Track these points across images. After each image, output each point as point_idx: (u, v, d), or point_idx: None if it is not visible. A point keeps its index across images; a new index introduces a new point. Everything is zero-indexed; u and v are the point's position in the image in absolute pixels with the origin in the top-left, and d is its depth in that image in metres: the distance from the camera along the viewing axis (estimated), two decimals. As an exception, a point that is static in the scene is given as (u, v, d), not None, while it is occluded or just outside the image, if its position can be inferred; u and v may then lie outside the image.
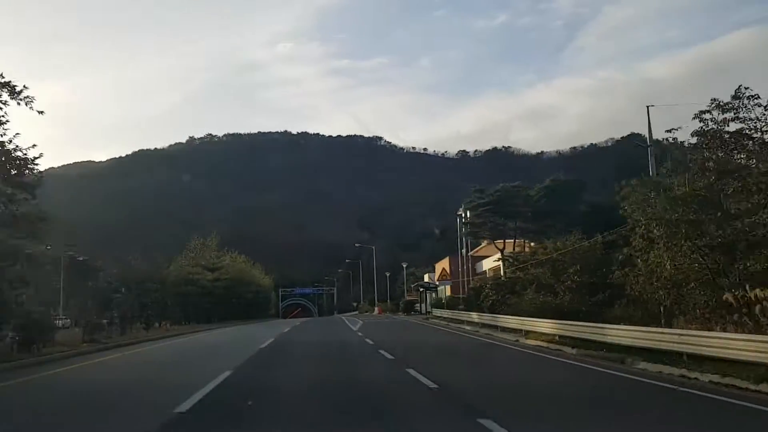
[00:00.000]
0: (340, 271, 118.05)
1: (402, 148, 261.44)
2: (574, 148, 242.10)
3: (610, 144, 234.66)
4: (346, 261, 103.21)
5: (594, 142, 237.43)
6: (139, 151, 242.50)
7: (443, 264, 66.48)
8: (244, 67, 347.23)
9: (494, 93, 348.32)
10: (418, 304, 55.15)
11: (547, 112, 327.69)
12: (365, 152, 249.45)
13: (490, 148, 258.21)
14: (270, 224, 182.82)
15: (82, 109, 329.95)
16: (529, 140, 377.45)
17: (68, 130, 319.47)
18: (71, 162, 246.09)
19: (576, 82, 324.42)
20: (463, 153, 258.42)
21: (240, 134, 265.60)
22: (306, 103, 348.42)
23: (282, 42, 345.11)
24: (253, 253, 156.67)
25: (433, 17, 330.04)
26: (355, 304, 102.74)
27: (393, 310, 68.11)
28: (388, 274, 76.69)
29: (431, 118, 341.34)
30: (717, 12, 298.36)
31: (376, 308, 74.59)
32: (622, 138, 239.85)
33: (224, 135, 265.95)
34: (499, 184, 53.53)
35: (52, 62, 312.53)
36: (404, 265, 53.93)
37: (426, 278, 70.94)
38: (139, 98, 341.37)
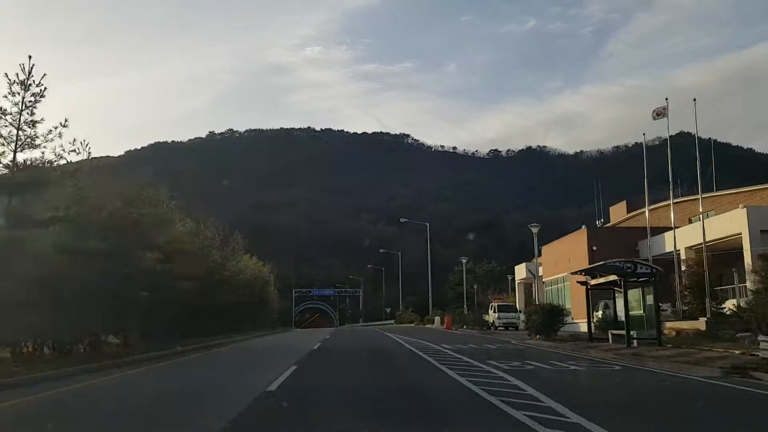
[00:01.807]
0: (369, 267, 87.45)
1: (430, 147, 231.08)
2: (617, 147, 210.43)
3: (657, 143, 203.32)
4: (381, 251, 72.97)
5: (639, 141, 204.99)
6: (155, 143, 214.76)
7: (576, 241, 35.66)
8: (270, 70, 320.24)
9: (521, 99, 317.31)
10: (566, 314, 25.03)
11: (575, 119, 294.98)
12: (392, 150, 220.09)
13: (524, 147, 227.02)
14: (289, 220, 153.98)
15: (106, 110, 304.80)
16: (565, 140, 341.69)
17: (92, 130, 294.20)
18: (87, 158, 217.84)
19: (604, 89, 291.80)
20: (495, 152, 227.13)
21: (262, 130, 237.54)
22: (331, 107, 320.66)
23: (309, 46, 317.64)
24: (269, 250, 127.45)
25: (460, 22, 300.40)
26: (388, 310, 72.44)
27: (474, 324, 36.54)
28: (464, 260, 44.29)
29: (457, 124, 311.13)
30: (749, 21, 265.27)
31: (437, 318, 42.61)
32: (670, 136, 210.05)
33: (246, 131, 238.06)
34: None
35: (79, 63, 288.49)
36: (535, 231, 24.52)
37: (522, 272, 40.90)
38: (163, 100, 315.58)
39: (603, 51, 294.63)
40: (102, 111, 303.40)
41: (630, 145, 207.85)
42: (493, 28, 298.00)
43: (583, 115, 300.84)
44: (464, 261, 43.80)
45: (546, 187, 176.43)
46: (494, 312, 35.82)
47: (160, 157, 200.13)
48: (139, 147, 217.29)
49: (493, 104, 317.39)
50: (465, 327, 35.63)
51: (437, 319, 41.35)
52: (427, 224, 53.75)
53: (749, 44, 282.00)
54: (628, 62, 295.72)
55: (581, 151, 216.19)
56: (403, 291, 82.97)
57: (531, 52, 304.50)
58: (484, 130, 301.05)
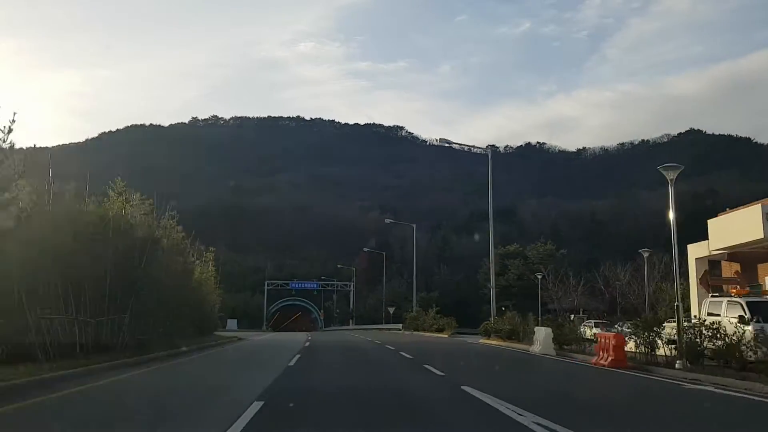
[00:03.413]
0: (365, 250, 62.86)
1: (424, 140, 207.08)
2: (622, 144, 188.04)
3: (666, 140, 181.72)
4: (387, 221, 48.60)
5: (646, 138, 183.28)
6: (131, 126, 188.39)
7: None
8: (262, 65, 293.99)
9: (514, 102, 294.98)
10: None
11: (567, 123, 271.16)
12: (385, 142, 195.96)
13: (523, 144, 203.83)
14: (269, 205, 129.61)
15: (95, 100, 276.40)
16: (556, 143, 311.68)
17: (80, 118, 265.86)
18: (67, 143, 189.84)
19: (597, 94, 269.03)
20: (493, 148, 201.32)
21: (248, 117, 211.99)
22: (323, 104, 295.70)
23: (302, 41, 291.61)
24: (245, 237, 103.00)
25: (455, 23, 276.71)
26: (392, 310, 47.66)
27: None
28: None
29: (449, 125, 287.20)
30: (744, 29, 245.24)
31: (543, 330, 17.41)
32: (679, 134, 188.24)
33: (231, 118, 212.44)
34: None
35: (71, 52, 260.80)
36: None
37: (724, 235, 16.68)
38: (151, 92, 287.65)
39: (597, 56, 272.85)
40: (88, 100, 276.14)
41: (636, 143, 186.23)
42: (488, 29, 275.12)
43: (575, 120, 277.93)
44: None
45: (551, 182, 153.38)
46: (748, 321, 11.96)
47: (135, 140, 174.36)
48: (113, 129, 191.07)
49: (485, 106, 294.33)
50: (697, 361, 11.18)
51: (543, 332, 16.27)
52: (488, 152, 28.31)
53: (743, 53, 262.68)
54: (621, 68, 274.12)
55: (584, 148, 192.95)
56: (416, 283, 58.54)
57: (525, 55, 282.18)
58: (477, 132, 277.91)
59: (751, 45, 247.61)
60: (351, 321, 64.63)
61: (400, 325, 40.30)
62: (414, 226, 41.50)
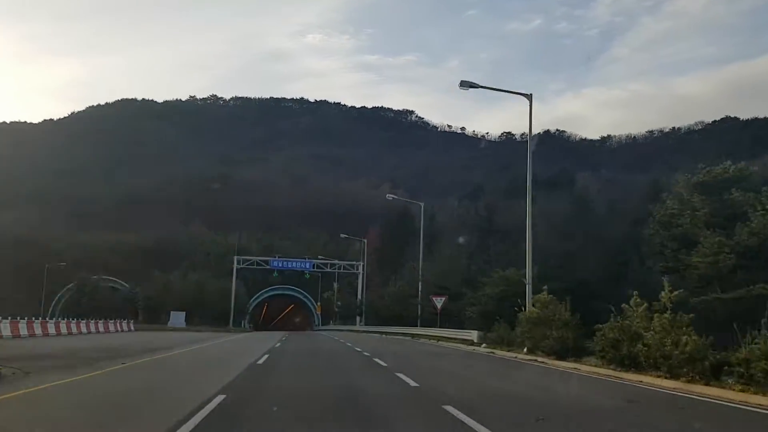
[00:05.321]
0: (391, 197, 38.09)
1: (435, 126, 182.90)
2: (651, 131, 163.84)
3: (699, 127, 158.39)
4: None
5: (677, 126, 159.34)
6: (121, 100, 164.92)
7: None
8: (269, 56, 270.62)
9: (522, 98, 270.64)
10: None
11: (575, 121, 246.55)
12: (393, 125, 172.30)
13: (541, 131, 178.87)
14: (262, 179, 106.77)
15: (97, 88, 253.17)
16: (592, 125, 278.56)
17: (76, 102, 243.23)
18: (54, 118, 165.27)
19: (606, 93, 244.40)
20: (508, 135, 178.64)
21: (249, 98, 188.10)
22: (329, 95, 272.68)
23: (311, 33, 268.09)
24: (231, 215, 79.69)
25: (464, 17, 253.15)
26: (440, 303, 24.30)
27: None
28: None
29: (457, 120, 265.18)
30: (757, 31, 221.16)
31: None
32: (714, 122, 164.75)
33: (231, 98, 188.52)
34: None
35: (72, 38, 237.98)
36: None
37: None
38: (153, 81, 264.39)
39: (607, 54, 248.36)
40: (86, 88, 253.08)
41: (666, 130, 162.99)
42: (498, 25, 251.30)
43: (583, 118, 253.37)
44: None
45: (582, 165, 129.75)
46: None
47: (124, 115, 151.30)
48: (102, 103, 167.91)
49: (493, 102, 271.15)
50: None
51: None
52: None
53: (755, 55, 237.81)
54: (632, 67, 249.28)
55: (608, 136, 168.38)
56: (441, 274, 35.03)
57: (535, 51, 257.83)
58: (484, 127, 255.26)
59: (763, 48, 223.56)
60: (359, 318, 41.75)
61: (474, 334, 17.29)
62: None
